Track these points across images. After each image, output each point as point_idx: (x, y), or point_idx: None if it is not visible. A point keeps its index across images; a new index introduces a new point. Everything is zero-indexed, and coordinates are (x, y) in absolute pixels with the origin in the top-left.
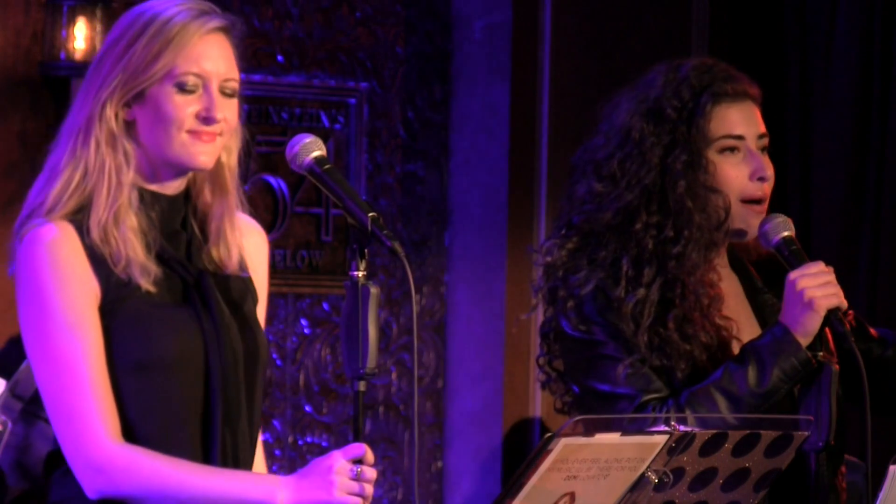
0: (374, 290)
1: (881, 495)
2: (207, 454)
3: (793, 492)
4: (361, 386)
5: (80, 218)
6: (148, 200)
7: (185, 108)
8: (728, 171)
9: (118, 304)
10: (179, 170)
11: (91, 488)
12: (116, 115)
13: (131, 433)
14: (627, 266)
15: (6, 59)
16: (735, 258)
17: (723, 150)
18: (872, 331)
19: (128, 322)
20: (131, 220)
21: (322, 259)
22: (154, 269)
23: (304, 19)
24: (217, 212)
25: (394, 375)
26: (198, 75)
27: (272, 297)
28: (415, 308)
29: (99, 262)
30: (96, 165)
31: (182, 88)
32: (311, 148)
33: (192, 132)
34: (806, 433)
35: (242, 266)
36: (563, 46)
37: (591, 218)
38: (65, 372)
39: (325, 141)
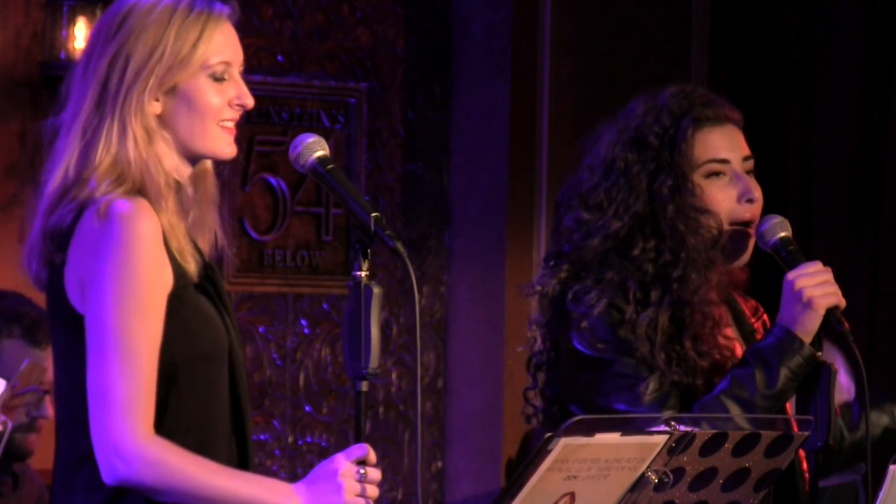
0: (376, 290)
1: (881, 495)
2: (243, 445)
3: (786, 491)
4: (363, 386)
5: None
6: (186, 191)
7: (220, 97)
8: (715, 194)
9: (184, 291)
10: (200, 160)
11: (111, 475)
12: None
13: (184, 424)
14: (635, 288)
15: (6, 59)
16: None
17: (709, 175)
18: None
19: (191, 311)
20: (180, 212)
21: (322, 259)
22: (198, 258)
23: (304, 19)
24: (199, 195)
25: (394, 375)
26: (227, 63)
27: (272, 296)
28: (417, 308)
29: (168, 246)
30: (139, 162)
31: (216, 78)
32: (314, 148)
33: (222, 122)
34: (806, 433)
35: (211, 252)
36: (563, 46)
37: (580, 246)
38: (122, 355)
39: (325, 141)
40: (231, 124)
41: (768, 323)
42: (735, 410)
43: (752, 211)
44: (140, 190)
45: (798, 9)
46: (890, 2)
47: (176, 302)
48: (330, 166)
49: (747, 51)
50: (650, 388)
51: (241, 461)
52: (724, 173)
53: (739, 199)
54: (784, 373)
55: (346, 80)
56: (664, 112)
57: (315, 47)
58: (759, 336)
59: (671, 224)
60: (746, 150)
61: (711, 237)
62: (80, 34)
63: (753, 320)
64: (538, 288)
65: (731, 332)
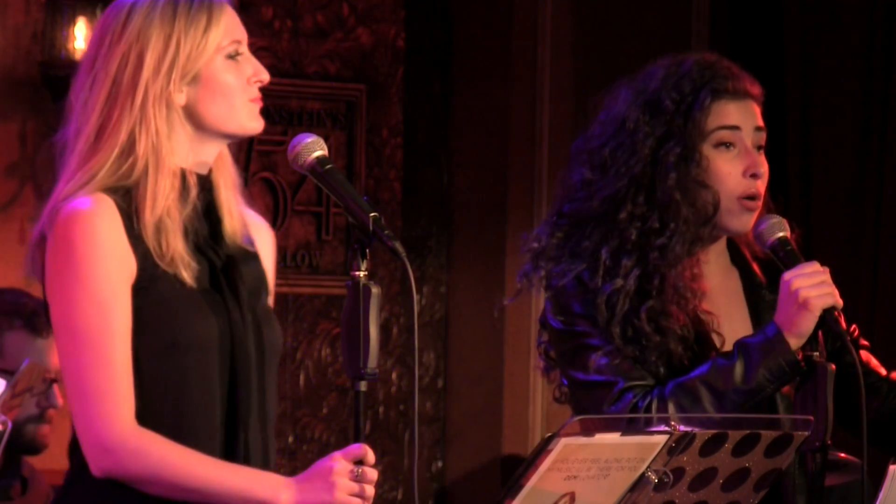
0: (375, 290)
1: (881, 495)
2: (230, 441)
3: (782, 491)
4: (362, 386)
5: (119, 196)
6: (190, 182)
7: (241, 75)
8: (721, 166)
9: (151, 282)
10: (230, 139)
11: (98, 467)
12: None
13: (152, 414)
14: (606, 256)
15: (6, 59)
16: (738, 254)
17: (718, 145)
18: (883, 370)
19: (158, 303)
20: (175, 213)
21: (322, 259)
22: (195, 265)
23: (304, 19)
24: (222, 181)
25: (394, 375)
26: (237, 42)
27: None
28: (416, 308)
29: (137, 238)
30: (152, 157)
31: (232, 57)
32: (312, 148)
33: (252, 100)
34: (806, 433)
35: (248, 237)
36: (563, 46)
37: (581, 207)
38: (90, 347)
39: (325, 141)
40: (256, 98)
41: None
42: (706, 398)
43: (756, 186)
44: (133, 185)
45: (798, 9)
46: (890, 1)
47: (139, 295)
48: (328, 166)
49: (747, 51)
50: (609, 358)
51: (227, 453)
52: (734, 144)
53: (745, 174)
54: (762, 372)
55: (346, 80)
56: (686, 79)
57: (315, 47)
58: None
59: (668, 192)
60: (760, 122)
61: (706, 213)
62: (80, 34)
63: (764, 288)
64: (534, 245)
65: (731, 305)
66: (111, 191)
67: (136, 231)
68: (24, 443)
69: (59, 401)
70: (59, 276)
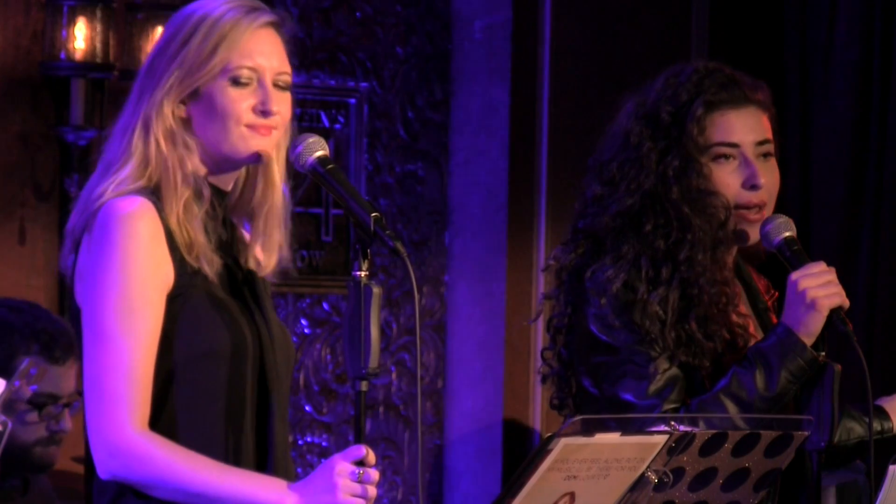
0: (376, 290)
1: (881, 495)
2: (261, 445)
3: (790, 491)
4: (363, 386)
5: (155, 197)
6: (211, 194)
7: (241, 102)
8: (722, 177)
9: (188, 290)
10: (236, 164)
11: (103, 469)
12: (173, 113)
13: (185, 420)
14: (647, 266)
15: (6, 59)
16: (736, 263)
17: (717, 158)
18: None
19: (193, 312)
20: (196, 211)
21: (322, 259)
22: (217, 260)
23: (304, 19)
24: (264, 208)
25: (394, 375)
26: (252, 69)
27: (272, 296)
28: (417, 308)
29: (173, 245)
30: (159, 161)
31: (236, 82)
32: (314, 148)
33: (249, 126)
34: (806, 433)
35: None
36: (563, 46)
37: (595, 222)
38: (110, 351)
39: (325, 141)
40: (257, 126)
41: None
42: (732, 409)
43: (759, 196)
44: (155, 188)
45: (797, 10)
46: (888, 3)
47: (177, 301)
48: (330, 166)
49: (747, 51)
50: (659, 369)
51: (259, 457)
52: (734, 157)
53: (744, 185)
54: (784, 375)
55: (346, 80)
56: (682, 90)
57: (315, 47)
58: (772, 314)
59: (676, 205)
60: (763, 135)
61: (719, 218)
62: (80, 34)
63: (766, 297)
64: (552, 262)
65: (744, 308)
66: (147, 192)
67: (172, 234)
68: (32, 463)
69: (69, 425)
70: (93, 275)
